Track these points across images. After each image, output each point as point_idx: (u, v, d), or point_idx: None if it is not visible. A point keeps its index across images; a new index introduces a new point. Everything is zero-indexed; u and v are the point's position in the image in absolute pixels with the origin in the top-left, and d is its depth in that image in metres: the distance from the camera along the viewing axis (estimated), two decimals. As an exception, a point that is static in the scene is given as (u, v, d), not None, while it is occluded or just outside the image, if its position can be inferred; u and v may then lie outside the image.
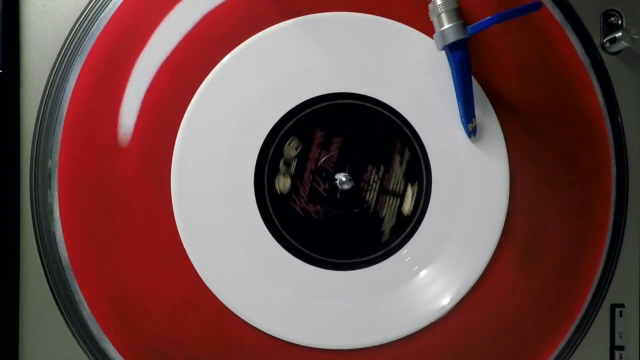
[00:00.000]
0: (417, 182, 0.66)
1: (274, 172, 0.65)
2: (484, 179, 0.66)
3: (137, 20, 0.66)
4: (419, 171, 0.66)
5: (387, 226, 0.66)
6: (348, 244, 0.66)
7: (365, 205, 0.66)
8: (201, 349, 0.66)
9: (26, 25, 0.67)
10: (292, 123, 0.65)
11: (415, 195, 0.66)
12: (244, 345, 0.66)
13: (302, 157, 0.65)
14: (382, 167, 0.66)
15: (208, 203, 0.65)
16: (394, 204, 0.66)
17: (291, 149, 0.65)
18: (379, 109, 0.66)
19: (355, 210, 0.66)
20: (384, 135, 0.66)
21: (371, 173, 0.66)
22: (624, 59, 0.70)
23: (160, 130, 0.65)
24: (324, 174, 0.66)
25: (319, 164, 0.65)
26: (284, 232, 0.65)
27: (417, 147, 0.66)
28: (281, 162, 0.65)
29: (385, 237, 0.66)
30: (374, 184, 0.66)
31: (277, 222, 0.65)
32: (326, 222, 0.66)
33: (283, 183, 0.65)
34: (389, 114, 0.66)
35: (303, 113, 0.65)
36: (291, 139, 0.65)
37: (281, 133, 0.65)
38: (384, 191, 0.66)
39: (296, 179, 0.65)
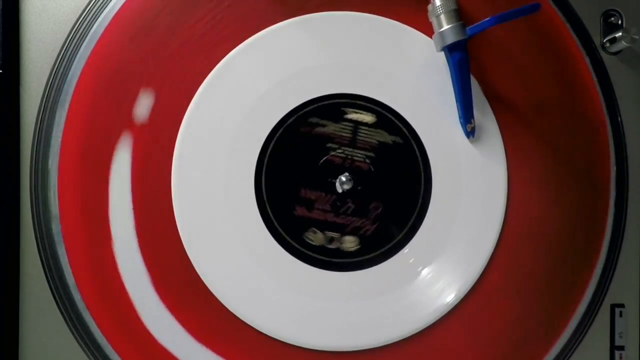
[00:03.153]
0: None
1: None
2: (483, 178, 0.66)
3: (137, 20, 0.66)
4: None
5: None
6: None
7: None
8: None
9: (26, 25, 0.67)
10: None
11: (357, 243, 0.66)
12: (245, 346, 0.66)
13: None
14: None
15: (208, 203, 0.65)
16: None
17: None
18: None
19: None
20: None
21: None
22: (624, 59, 0.70)
23: (161, 129, 0.65)
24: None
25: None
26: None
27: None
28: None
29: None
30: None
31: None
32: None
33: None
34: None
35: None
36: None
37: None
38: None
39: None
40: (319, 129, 0.66)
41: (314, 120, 0.65)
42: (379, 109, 0.66)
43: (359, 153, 0.66)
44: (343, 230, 0.66)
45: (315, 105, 0.65)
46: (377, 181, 0.66)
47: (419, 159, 0.66)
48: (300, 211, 0.66)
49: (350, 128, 0.66)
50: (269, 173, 0.65)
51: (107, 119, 0.65)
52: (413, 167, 0.66)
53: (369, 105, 0.66)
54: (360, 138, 0.66)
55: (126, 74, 0.65)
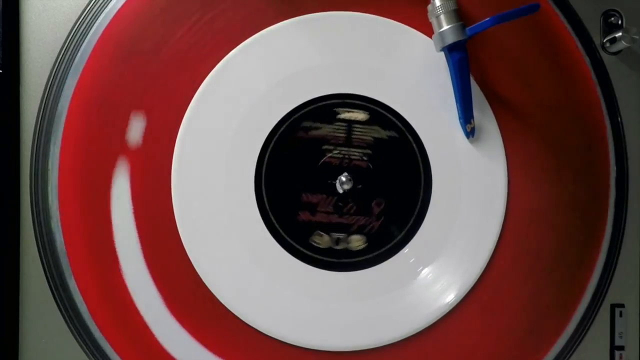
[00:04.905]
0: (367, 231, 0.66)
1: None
2: (482, 178, 0.66)
3: (137, 20, 0.66)
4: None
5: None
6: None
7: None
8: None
9: (26, 25, 0.67)
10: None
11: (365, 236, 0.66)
12: (244, 347, 0.66)
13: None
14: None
15: (208, 203, 0.65)
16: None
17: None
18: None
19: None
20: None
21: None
22: (624, 59, 0.70)
23: (162, 129, 0.65)
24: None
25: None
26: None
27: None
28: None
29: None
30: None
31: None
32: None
33: None
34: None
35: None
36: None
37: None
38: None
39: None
40: (314, 132, 0.66)
41: (308, 124, 0.65)
42: (379, 109, 0.66)
43: (356, 152, 0.66)
44: (349, 230, 0.66)
45: (315, 106, 0.65)
46: (377, 180, 0.66)
47: (419, 159, 0.66)
48: (303, 216, 0.66)
49: (344, 128, 0.66)
50: (268, 179, 0.65)
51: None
52: (413, 167, 0.66)
53: (368, 105, 0.66)
54: (356, 136, 0.66)
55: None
